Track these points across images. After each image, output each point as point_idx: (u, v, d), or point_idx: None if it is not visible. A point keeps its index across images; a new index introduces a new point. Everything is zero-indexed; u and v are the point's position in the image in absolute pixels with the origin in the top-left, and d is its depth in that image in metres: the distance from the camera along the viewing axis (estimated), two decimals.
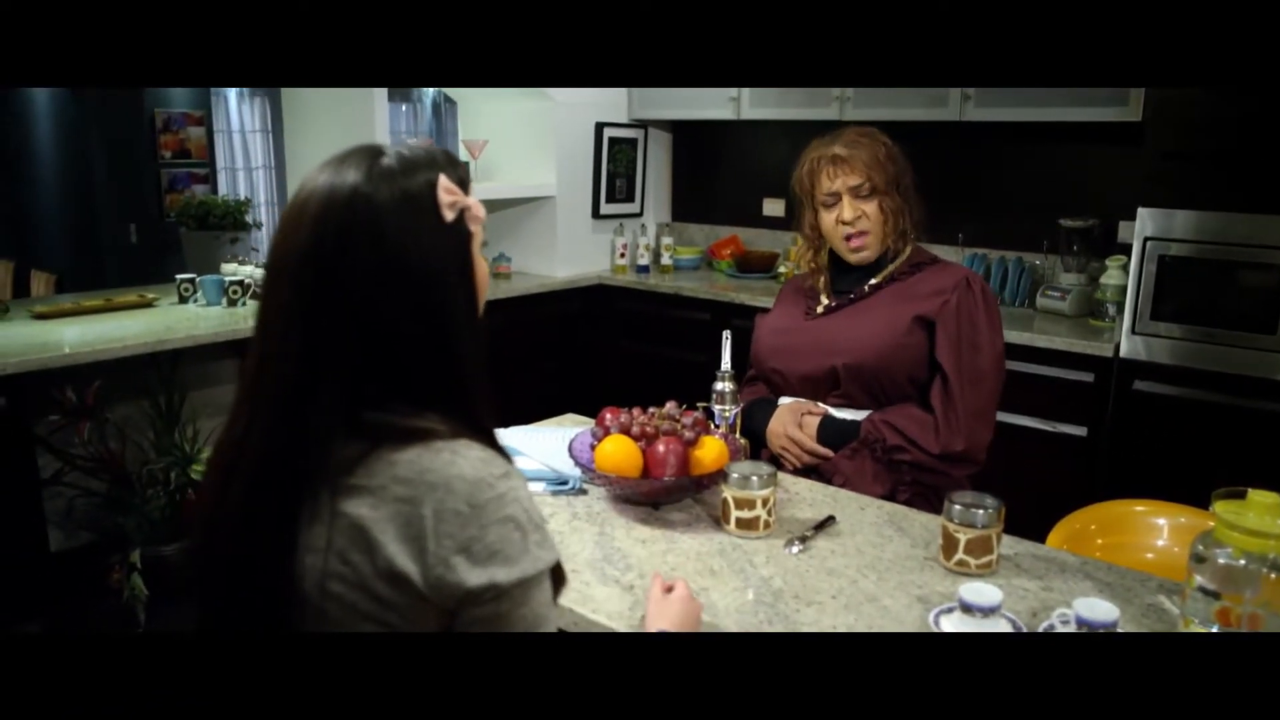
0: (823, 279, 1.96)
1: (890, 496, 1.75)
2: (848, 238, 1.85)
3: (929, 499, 1.78)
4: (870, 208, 1.83)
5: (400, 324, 0.88)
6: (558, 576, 0.93)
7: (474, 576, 0.84)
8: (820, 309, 1.93)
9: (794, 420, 1.87)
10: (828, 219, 1.86)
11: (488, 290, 0.99)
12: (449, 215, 0.92)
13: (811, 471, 1.85)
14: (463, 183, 0.95)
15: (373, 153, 0.92)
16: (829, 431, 1.85)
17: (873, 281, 1.89)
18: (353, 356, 0.87)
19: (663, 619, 1.14)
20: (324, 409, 0.86)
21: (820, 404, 1.89)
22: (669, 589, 1.20)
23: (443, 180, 0.92)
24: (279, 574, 0.85)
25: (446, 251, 0.92)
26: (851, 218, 1.83)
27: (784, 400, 1.94)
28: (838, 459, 1.82)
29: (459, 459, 0.86)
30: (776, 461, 1.91)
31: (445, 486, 0.85)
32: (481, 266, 0.97)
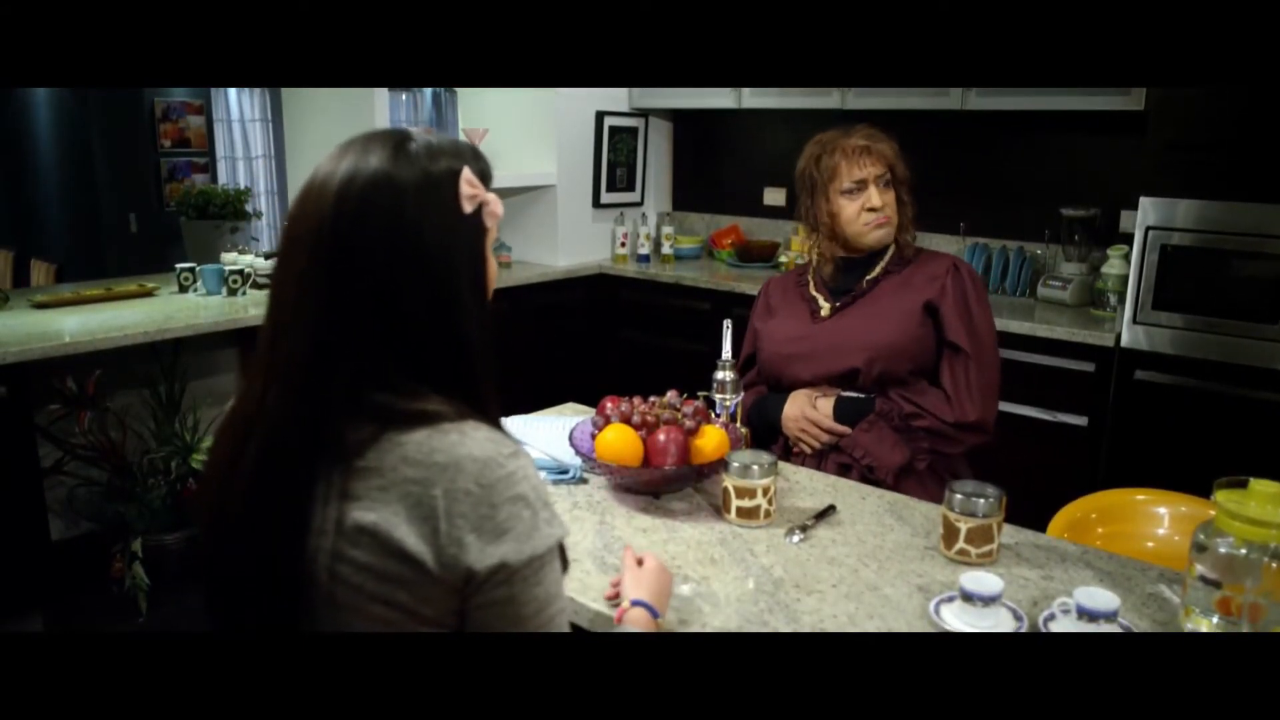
0: (812, 281, 2.01)
1: (909, 465, 1.82)
2: (870, 222, 1.90)
3: (947, 465, 1.87)
4: (890, 197, 1.91)
5: (410, 302, 0.89)
6: (562, 557, 0.94)
7: (486, 555, 0.85)
8: (826, 311, 1.96)
9: (809, 403, 1.92)
10: (850, 207, 1.90)
11: (495, 285, 1.01)
12: (468, 206, 0.93)
13: (832, 449, 1.88)
14: (485, 178, 0.96)
15: (401, 136, 0.94)
16: (844, 409, 1.89)
17: (870, 276, 1.95)
18: (363, 330, 0.88)
19: (640, 588, 1.18)
20: (337, 380, 0.87)
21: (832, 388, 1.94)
22: (639, 561, 1.24)
23: (466, 172, 0.94)
24: (291, 545, 0.86)
25: (460, 239, 0.93)
26: (880, 204, 1.89)
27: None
28: (856, 433, 1.86)
29: (467, 439, 0.87)
30: (789, 451, 1.93)
31: (455, 467, 0.85)
32: (491, 262, 0.98)
